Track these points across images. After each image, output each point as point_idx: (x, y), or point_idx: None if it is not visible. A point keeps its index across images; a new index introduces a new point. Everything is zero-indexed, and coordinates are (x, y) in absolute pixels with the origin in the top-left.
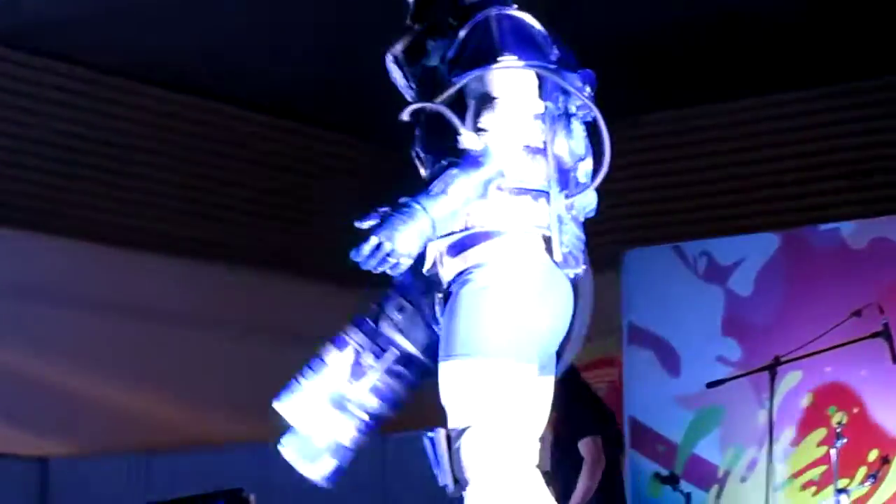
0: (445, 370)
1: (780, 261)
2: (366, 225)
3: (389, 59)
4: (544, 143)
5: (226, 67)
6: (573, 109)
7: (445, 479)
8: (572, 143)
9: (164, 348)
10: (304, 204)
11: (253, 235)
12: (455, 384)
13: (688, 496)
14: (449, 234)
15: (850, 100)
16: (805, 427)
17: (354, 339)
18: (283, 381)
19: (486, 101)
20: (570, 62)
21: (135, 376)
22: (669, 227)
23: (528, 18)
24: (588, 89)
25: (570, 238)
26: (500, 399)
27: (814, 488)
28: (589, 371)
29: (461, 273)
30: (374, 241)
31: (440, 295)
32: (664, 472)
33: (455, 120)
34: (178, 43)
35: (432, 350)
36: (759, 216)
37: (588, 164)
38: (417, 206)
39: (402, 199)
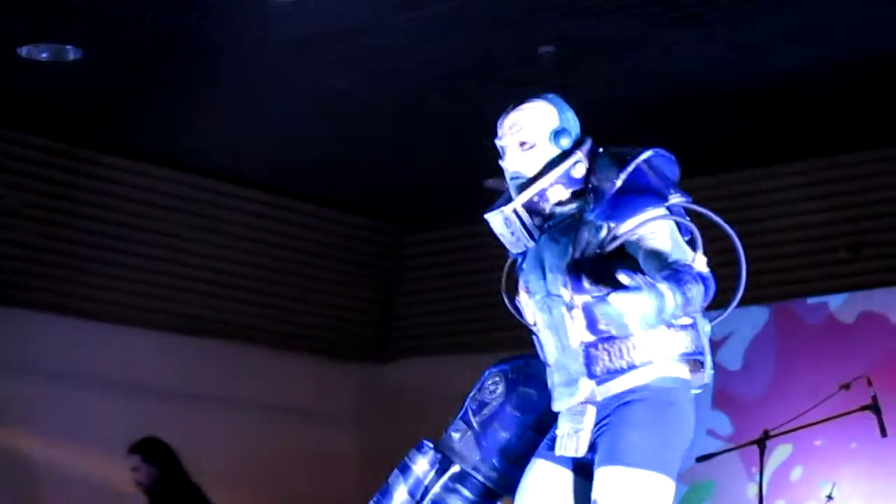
0: (620, 477)
1: (770, 334)
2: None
3: (506, 213)
4: None
5: (226, 148)
6: None
7: None
8: None
9: (170, 426)
10: (311, 282)
11: (260, 314)
12: (634, 492)
13: None
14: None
15: (840, 172)
16: (795, 500)
17: (416, 463)
18: (291, 457)
19: (670, 237)
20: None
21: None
22: None
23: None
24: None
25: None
26: None
27: None
28: None
29: (628, 391)
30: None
31: (590, 411)
32: None
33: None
34: (183, 122)
35: (488, 471)
36: (748, 290)
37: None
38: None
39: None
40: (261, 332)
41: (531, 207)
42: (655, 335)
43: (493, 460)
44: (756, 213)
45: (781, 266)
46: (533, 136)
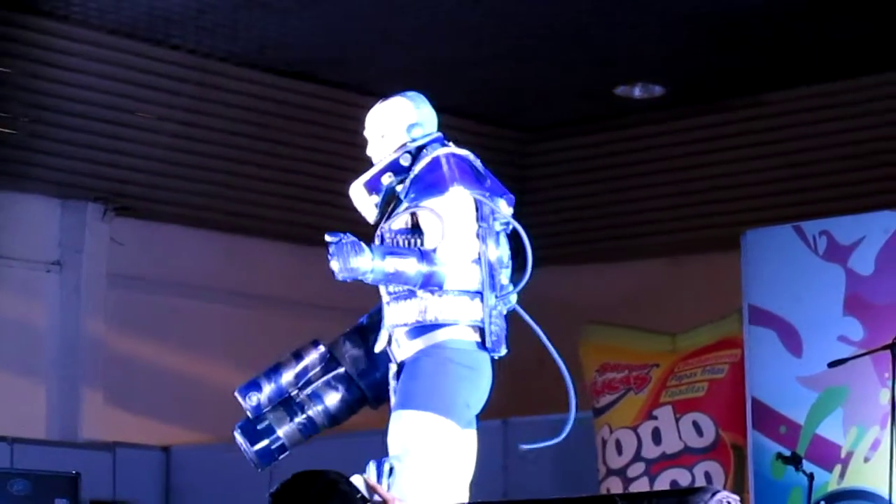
0: (406, 418)
1: None
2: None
3: (351, 189)
4: (479, 253)
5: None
6: (498, 227)
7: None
8: (501, 252)
9: (289, 335)
10: None
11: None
12: (413, 429)
13: (811, 476)
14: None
15: None
16: None
17: (309, 356)
18: None
19: (433, 225)
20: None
21: (255, 362)
22: (789, 206)
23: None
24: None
25: (500, 327)
26: (442, 446)
27: None
28: (711, 352)
29: (421, 350)
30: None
31: (394, 366)
32: (786, 453)
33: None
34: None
35: (368, 380)
36: (879, 195)
37: (508, 271)
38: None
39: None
40: None
41: (370, 188)
42: (443, 299)
43: (377, 374)
44: (886, 118)
45: None
46: (387, 128)
